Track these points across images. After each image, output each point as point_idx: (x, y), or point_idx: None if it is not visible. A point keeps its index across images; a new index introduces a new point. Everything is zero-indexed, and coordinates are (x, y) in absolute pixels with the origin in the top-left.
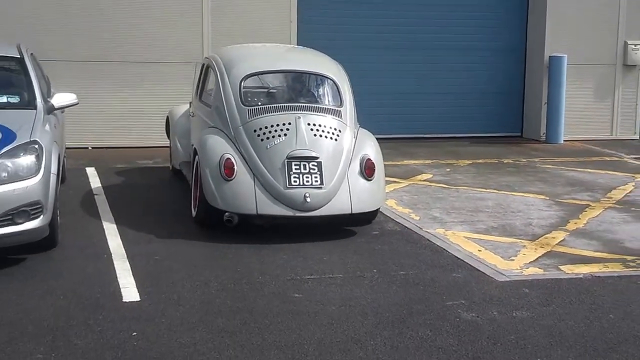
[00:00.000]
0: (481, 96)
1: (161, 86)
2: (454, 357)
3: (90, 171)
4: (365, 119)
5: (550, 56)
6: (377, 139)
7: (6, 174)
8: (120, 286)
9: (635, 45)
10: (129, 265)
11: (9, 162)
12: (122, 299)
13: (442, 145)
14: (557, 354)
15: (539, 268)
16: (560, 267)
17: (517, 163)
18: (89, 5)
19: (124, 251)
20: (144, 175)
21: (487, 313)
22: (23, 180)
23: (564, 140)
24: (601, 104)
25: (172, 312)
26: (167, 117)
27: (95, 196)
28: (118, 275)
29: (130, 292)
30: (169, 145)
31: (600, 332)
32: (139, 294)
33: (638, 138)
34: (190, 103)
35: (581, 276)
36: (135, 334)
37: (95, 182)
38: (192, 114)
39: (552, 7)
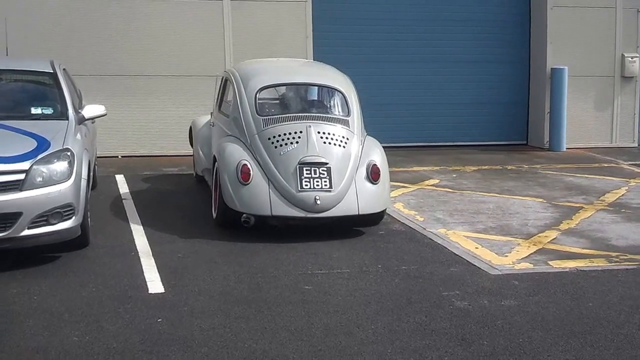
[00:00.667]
0: (488, 106)
1: (185, 98)
2: (444, 338)
3: (120, 178)
4: (379, 128)
5: (552, 68)
6: (389, 147)
7: (41, 179)
8: (147, 280)
9: (632, 57)
10: (154, 262)
11: (44, 168)
12: (148, 290)
13: (450, 153)
14: (538, 335)
15: (530, 263)
16: (549, 262)
17: (520, 169)
18: (120, 27)
19: (149, 249)
20: (169, 181)
21: (478, 302)
22: (57, 184)
23: (567, 148)
24: (601, 113)
25: (193, 301)
26: (190, 127)
27: (124, 201)
28: (144, 271)
29: (155, 285)
30: (192, 153)
31: (578, 317)
32: (164, 287)
33: (637, 145)
34: (211, 114)
35: (567, 270)
36: (160, 320)
37: (123, 188)
38: (212, 124)
39: (552, 22)
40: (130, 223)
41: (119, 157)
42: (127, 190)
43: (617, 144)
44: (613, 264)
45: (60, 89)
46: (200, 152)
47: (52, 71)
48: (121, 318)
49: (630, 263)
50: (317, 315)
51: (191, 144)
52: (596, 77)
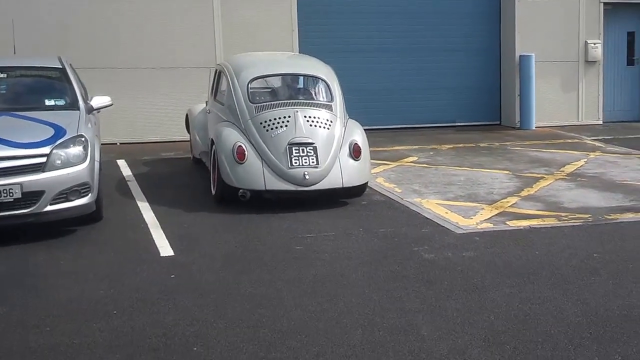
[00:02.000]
0: (463, 90)
1: (178, 89)
2: (412, 281)
3: (121, 162)
4: (363, 112)
5: (520, 55)
6: (372, 129)
7: (60, 161)
8: (157, 246)
9: (595, 44)
10: (162, 232)
11: (62, 152)
12: (159, 254)
13: (429, 134)
14: (490, 277)
15: (490, 223)
16: (507, 222)
17: (491, 146)
18: (116, 23)
19: (157, 222)
20: (168, 164)
21: (443, 254)
22: (74, 166)
23: (536, 127)
24: (568, 94)
25: (200, 261)
26: (187, 114)
27: (128, 182)
28: (154, 239)
29: (166, 249)
30: (188, 138)
31: (525, 263)
32: (173, 251)
33: (602, 123)
34: (206, 102)
35: (521, 228)
36: (173, 276)
37: (126, 171)
38: (208, 111)
39: (521, 13)
40: (136, 200)
41: (118, 144)
42: (130, 173)
43: (584, 122)
44: (561, 222)
45: (70, 82)
46: (197, 137)
47: (61, 67)
48: (139, 276)
49: (576, 221)
50: (307, 268)
51: (187, 130)
52: (562, 62)
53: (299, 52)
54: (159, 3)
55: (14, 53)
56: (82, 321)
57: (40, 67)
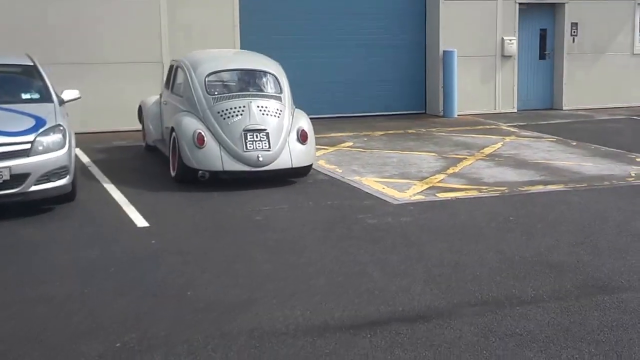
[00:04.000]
0: (393, 82)
1: (126, 82)
2: (361, 240)
3: (77, 151)
4: (303, 102)
5: (443, 50)
6: (311, 118)
7: (42, 147)
8: (132, 219)
9: (510, 40)
10: (133, 208)
11: (44, 139)
12: (136, 225)
13: (362, 122)
14: (425, 235)
15: (422, 195)
16: (436, 194)
17: (419, 132)
18: (68, 23)
19: (126, 200)
20: (122, 151)
21: (384, 220)
22: (54, 151)
23: (458, 115)
24: (486, 85)
25: (174, 230)
26: (140, 105)
27: (89, 167)
28: (128, 213)
29: (141, 222)
30: (140, 128)
31: (453, 225)
32: (148, 223)
33: (516, 111)
34: (161, 95)
35: (449, 198)
36: (154, 242)
37: (84, 158)
38: (165, 103)
39: (444, 12)
40: (102, 183)
41: None
42: (89, 160)
43: (500, 110)
44: (482, 193)
45: (42, 78)
46: (150, 126)
47: (32, 64)
48: (123, 242)
49: (494, 192)
50: (269, 233)
51: (139, 120)
52: (481, 56)
53: (240, 48)
54: (109, 2)
55: None
56: (87, 276)
57: (13, 64)
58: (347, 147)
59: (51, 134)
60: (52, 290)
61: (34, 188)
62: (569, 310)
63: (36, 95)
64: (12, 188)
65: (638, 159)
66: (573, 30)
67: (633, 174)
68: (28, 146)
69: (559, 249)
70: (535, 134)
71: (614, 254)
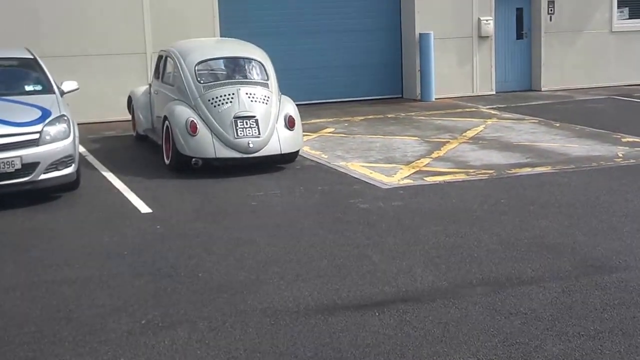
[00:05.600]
0: (369, 67)
1: (113, 73)
2: (356, 223)
3: None
4: (281, 89)
5: (419, 33)
6: None
7: (49, 137)
8: (135, 205)
9: (487, 20)
10: (135, 195)
11: (50, 129)
12: (140, 212)
13: (340, 108)
14: (418, 219)
15: (410, 180)
16: (424, 178)
17: (398, 117)
18: (56, 16)
19: (126, 187)
20: (114, 141)
21: (375, 204)
22: (61, 141)
23: (436, 98)
24: (463, 68)
25: (176, 215)
26: (129, 96)
27: (86, 157)
28: (131, 200)
29: (143, 207)
30: (129, 118)
31: (445, 208)
32: (150, 209)
33: (494, 93)
34: (150, 84)
35: (437, 182)
36: (159, 227)
37: (80, 148)
38: (156, 92)
39: None
40: (101, 172)
41: None
42: (84, 149)
43: (478, 92)
44: (470, 176)
45: (42, 70)
46: (140, 116)
47: (32, 57)
48: (131, 227)
49: (482, 175)
50: (267, 217)
51: (129, 110)
52: (458, 38)
53: (220, 37)
54: None
55: None
56: (103, 259)
57: (14, 57)
58: (329, 132)
59: (57, 124)
60: (73, 272)
61: (42, 176)
62: (570, 290)
63: (38, 87)
64: (22, 177)
65: (623, 139)
66: (550, 9)
67: (620, 155)
68: (37, 136)
69: (554, 231)
70: (517, 115)
71: (609, 234)
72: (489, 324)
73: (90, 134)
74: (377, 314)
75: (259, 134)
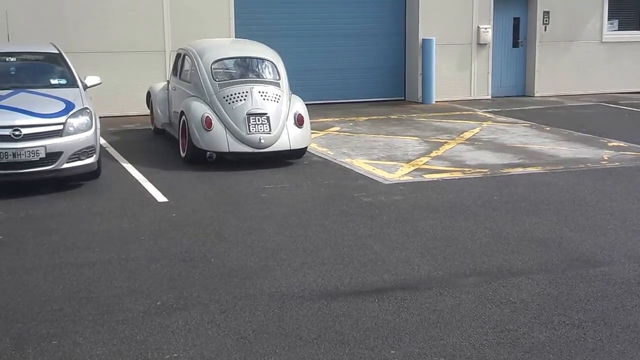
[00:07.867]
0: (374, 70)
1: (134, 69)
2: (359, 215)
3: None
4: (294, 89)
5: (422, 39)
6: None
7: (72, 128)
8: (152, 195)
9: (486, 28)
10: (152, 185)
11: (74, 121)
12: (157, 200)
13: (346, 108)
14: (416, 212)
15: (410, 176)
16: (424, 175)
17: (400, 118)
18: (81, 15)
19: (144, 178)
20: (133, 134)
21: (378, 198)
22: (83, 132)
23: (436, 101)
24: (462, 73)
25: (191, 205)
26: (148, 91)
27: (107, 149)
28: (148, 190)
29: (160, 197)
30: (148, 113)
31: (442, 203)
32: (167, 198)
33: (490, 97)
34: (168, 81)
35: (435, 179)
36: (174, 215)
37: (101, 140)
38: (173, 89)
39: (423, 1)
40: (120, 162)
41: None
42: (105, 141)
43: (475, 96)
44: (466, 174)
45: (67, 65)
46: (159, 111)
47: (57, 52)
48: (148, 214)
49: (477, 174)
50: (276, 208)
51: (147, 105)
52: (458, 44)
53: (235, 37)
54: None
55: (8, 40)
56: (121, 244)
57: (41, 52)
58: (335, 131)
59: (80, 116)
60: (93, 255)
61: (65, 165)
62: (557, 282)
63: (63, 81)
64: (47, 165)
65: (609, 144)
66: (545, 19)
67: (606, 158)
68: (61, 127)
69: (543, 226)
70: (511, 119)
71: (595, 231)
72: (481, 312)
73: (110, 126)
74: (376, 300)
75: (270, 130)
